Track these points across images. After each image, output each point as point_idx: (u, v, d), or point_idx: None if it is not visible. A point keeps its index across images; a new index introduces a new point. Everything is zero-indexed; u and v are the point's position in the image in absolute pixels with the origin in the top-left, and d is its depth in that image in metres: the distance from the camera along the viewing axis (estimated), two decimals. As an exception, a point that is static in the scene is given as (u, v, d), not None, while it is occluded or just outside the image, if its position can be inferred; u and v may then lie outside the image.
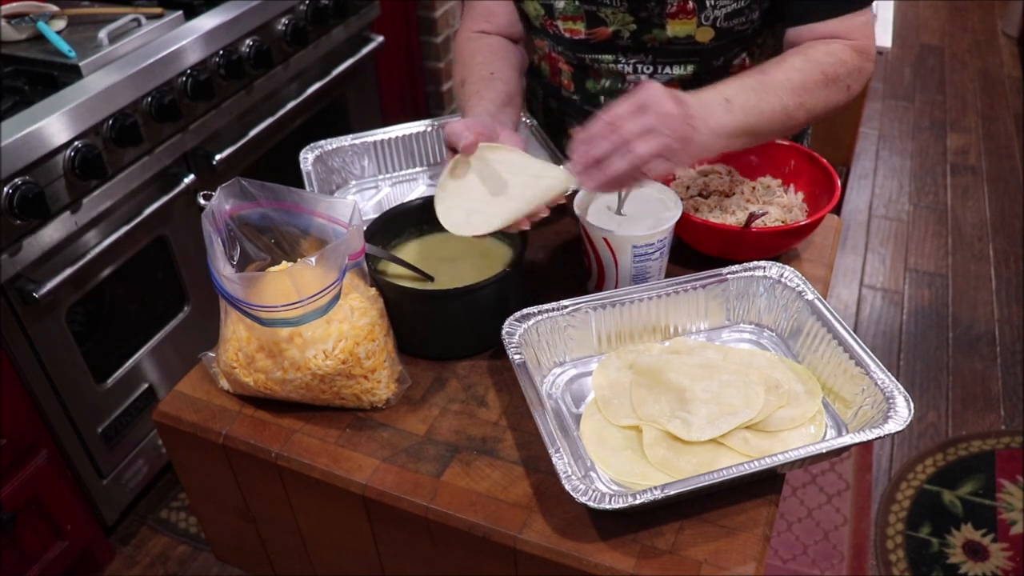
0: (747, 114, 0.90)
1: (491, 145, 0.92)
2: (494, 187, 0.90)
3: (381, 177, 1.27)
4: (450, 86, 2.73)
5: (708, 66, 1.09)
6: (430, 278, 0.96)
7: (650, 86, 0.83)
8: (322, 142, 1.22)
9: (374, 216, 1.02)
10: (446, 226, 0.90)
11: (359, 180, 1.26)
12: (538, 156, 1.20)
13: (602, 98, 1.15)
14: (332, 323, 0.84)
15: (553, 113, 1.26)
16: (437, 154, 1.28)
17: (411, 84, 2.63)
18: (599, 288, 0.99)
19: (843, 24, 0.99)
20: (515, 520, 0.77)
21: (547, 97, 1.26)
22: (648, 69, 1.10)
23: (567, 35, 1.10)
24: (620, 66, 1.11)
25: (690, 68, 1.09)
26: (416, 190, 1.25)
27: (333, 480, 0.82)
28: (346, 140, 1.23)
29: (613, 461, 0.81)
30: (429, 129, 1.26)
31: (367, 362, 0.85)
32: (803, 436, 0.82)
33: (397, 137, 1.25)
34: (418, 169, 1.28)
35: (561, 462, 0.74)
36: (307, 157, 1.20)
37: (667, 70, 1.09)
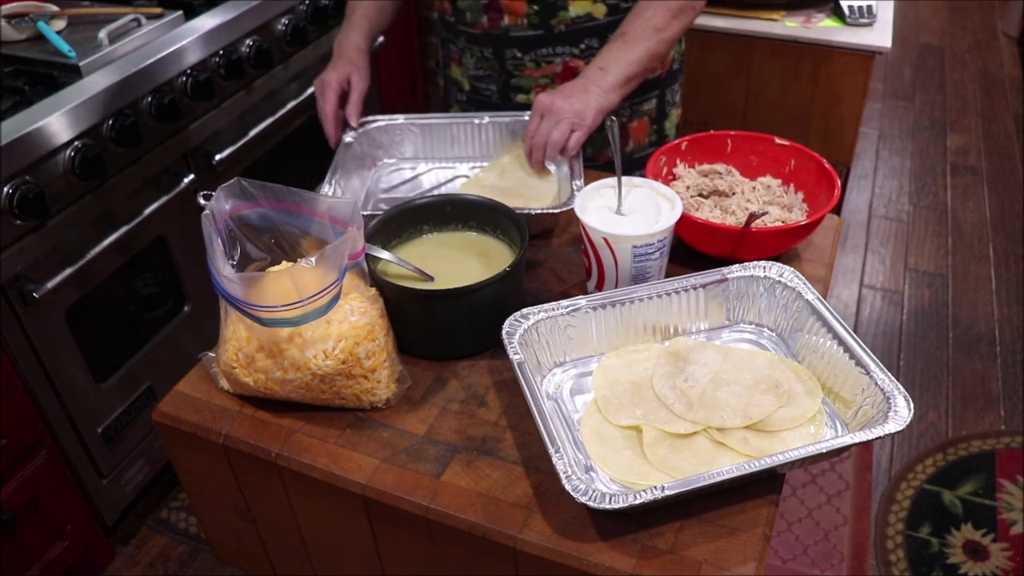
0: (620, 67, 1.16)
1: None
2: None
3: (424, 159, 1.32)
4: (450, 86, 2.73)
5: None
6: (430, 278, 0.96)
7: (538, 100, 1.14)
8: (371, 118, 1.30)
9: (385, 196, 1.02)
10: None
11: (399, 160, 1.31)
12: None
13: (468, 15, 1.30)
14: (332, 323, 0.84)
15: (444, 43, 1.44)
16: (482, 147, 1.32)
17: (411, 84, 2.63)
18: (599, 288, 0.99)
19: None
20: (515, 520, 0.77)
21: (441, 28, 1.42)
22: None
23: None
24: None
25: None
26: (454, 180, 1.28)
27: (333, 480, 0.82)
28: (398, 118, 1.30)
29: (613, 461, 0.81)
30: (484, 122, 1.29)
31: (367, 362, 0.85)
32: (803, 436, 0.82)
33: (447, 124, 1.30)
34: (460, 156, 1.32)
35: (561, 462, 0.74)
36: (351, 133, 1.27)
37: None
